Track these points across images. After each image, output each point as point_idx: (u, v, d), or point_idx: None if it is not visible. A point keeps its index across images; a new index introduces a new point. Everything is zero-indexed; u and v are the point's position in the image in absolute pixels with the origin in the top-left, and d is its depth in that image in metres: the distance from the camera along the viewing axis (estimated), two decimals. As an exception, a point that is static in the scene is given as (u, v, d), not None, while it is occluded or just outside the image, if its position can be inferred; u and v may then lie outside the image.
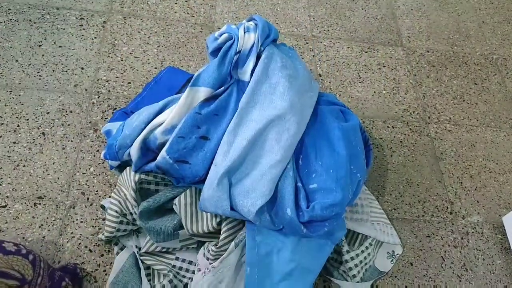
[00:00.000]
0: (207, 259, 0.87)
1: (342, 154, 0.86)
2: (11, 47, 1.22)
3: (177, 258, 0.92)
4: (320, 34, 1.48)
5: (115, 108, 1.16)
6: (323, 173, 0.85)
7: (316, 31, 1.48)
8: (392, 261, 1.03)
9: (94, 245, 0.94)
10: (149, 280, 0.89)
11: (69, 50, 1.25)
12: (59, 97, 1.15)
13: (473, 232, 1.13)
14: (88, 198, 1.00)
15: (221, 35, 0.91)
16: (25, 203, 0.97)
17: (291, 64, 0.93)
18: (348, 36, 1.50)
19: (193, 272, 0.91)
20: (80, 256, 0.92)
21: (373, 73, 1.41)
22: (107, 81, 1.21)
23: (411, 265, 1.05)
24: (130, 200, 0.93)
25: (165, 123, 0.87)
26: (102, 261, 0.92)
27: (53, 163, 1.04)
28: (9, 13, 1.29)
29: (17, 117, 1.09)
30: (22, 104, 1.12)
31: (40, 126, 1.09)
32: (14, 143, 1.05)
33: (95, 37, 1.30)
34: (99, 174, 1.04)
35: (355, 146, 0.91)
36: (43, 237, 0.93)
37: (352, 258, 0.95)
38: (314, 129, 0.92)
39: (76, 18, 1.33)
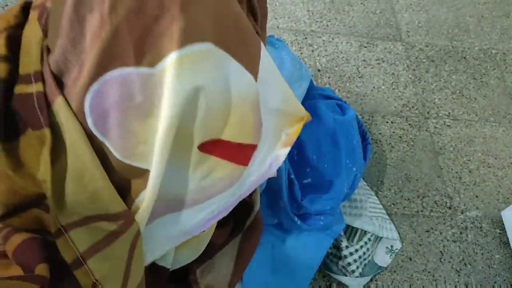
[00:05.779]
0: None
1: (337, 148, 0.86)
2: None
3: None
4: (319, 29, 1.47)
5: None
6: (317, 167, 0.85)
7: (315, 26, 1.47)
8: (391, 256, 1.03)
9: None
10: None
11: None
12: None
13: (472, 227, 1.13)
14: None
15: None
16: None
17: (276, 55, 0.92)
18: (347, 31, 1.49)
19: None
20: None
21: (372, 68, 1.40)
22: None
23: (410, 260, 1.05)
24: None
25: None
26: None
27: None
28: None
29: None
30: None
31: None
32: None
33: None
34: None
35: (351, 139, 0.91)
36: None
37: (351, 254, 0.95)
38: (309, 123, 0.92)
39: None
